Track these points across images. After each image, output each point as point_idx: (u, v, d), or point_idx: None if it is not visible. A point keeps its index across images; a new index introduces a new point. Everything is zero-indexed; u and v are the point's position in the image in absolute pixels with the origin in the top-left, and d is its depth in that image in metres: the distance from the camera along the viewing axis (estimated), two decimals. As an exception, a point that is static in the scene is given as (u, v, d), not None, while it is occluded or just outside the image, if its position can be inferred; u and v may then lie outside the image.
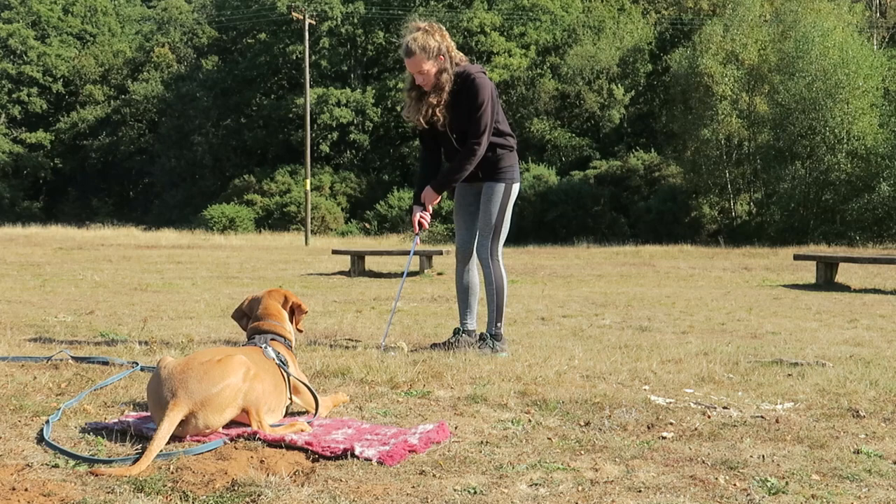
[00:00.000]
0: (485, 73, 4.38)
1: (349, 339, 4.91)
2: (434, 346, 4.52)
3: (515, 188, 4.45)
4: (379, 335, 5.19)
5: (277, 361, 2.81)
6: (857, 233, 26.43)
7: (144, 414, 2.78)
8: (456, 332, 4.52)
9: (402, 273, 4.07)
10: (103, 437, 2.54)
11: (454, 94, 4.25)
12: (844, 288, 10.41)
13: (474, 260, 4.49)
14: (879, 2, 37.44)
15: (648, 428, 2.80)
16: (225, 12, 47.18)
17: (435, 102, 4.25)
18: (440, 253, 13.14)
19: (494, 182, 4.39)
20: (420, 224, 4.46)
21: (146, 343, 4.49)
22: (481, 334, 4.41)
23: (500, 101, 4.46)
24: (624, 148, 36.55)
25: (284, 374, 2.81)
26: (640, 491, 2.16)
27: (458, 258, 4.53)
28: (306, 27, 33.14)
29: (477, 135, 4.23)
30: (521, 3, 42.39)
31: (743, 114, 30.55)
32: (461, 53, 4.41)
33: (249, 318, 3.13)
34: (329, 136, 41.56)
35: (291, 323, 3.14)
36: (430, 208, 4.45)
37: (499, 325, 4.39)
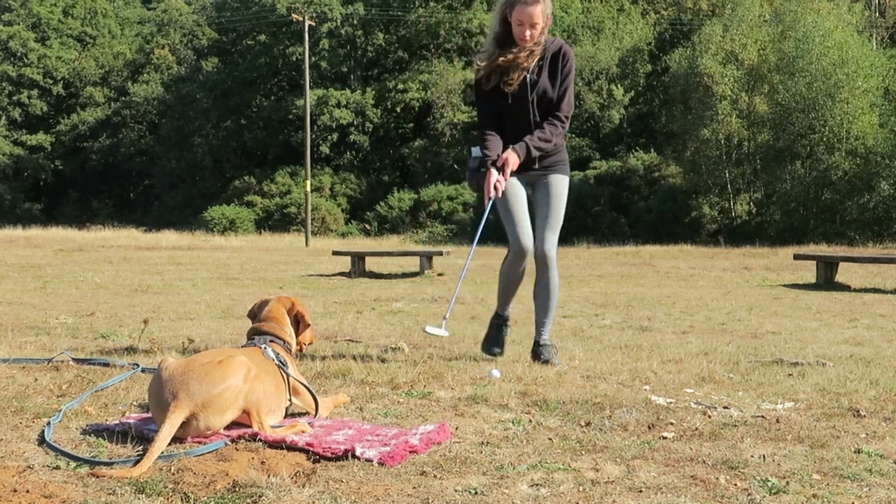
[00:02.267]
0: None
1: (350, 340, 4.92)
2: (490, 348, 4.21)
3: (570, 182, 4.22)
4: (379, 336, 5.19)
5: (277, 362, 2.81)
6: (856, 232, 26.42)
7: (145, 415, 2.78)
8: (501, 320, 4.28)
9: (467, 258, 4.27)
10: (104, 439, 2.54)
11: (546, 60, 3.92)
12: (844, 287, 10.41)
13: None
14: (879, 2, 37.44)
15: (649, 428, 2.80)
16: (225, 14, 47.20)
17: (525, 65, 3.89)
18: (440, 254, 13.13)
19: (562, 175, 4.08)
20: (496, 188, 3.90)
21: (147, 344, 4.49)
22: (545, 341, 4.13)
23: None
24: (624, 148, 36.55)
25: (284, 375, 2.81)
26: (640, 491, 2.16)
27: (518, 253, 4.08)
28: (306, 28, 33.15)
29: (566, 109, 3.96)
30: (521, 3, 42.34)
31: (743, 114, 30.54)
32: None
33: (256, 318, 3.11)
34: (329, 137, 41.56)
35: (297, 332, 3.12)
36: (508, 174, 3.93)
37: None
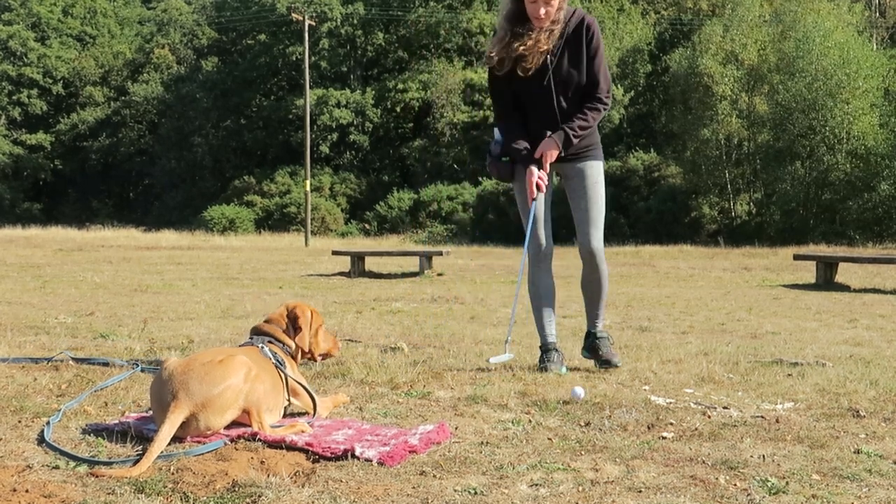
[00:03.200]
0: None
1: (349, 340, 4.91)
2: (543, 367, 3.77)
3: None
4: (379, 336, 5.19)
5: (274, 361, 2.81)
6: (856, 232, 26.43)
7: (145, 415, 2.78)
8: (548, 350, 3.81)
9: (521, 257, 3.78)
10: (104, 439, 2.54)
11: (566, 38, 3.52)
12: (844, 288, 10.41)
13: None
14: (879, 2, 37.44)
15: (649, 428, 2.80)
16: (225, 13, 47.20)
17: (546, 48, 3.49)
18: (440, 253, 13.14)
19: (596, 161, 3.67)
20: (538, 186, 3.59)
21: (146, 344, 4.49)
22: (600, 333, 3.79)
23: None
24: (624, 148, 36.55)
25: (282, 375, 2.80)
26: (640, 491, 2.16)
27: (536, 260, 3.77)
28: (306, 28, 33.14)
29: (604, 88, 3.57)
30: (521, 3, 42.39)
31: (743, 114, 30.55)
32: None
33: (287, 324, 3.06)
34: (329, 137, 41.57)
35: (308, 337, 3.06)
36: (548, 167, 3.62)
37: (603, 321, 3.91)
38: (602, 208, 3.71)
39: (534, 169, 3.58)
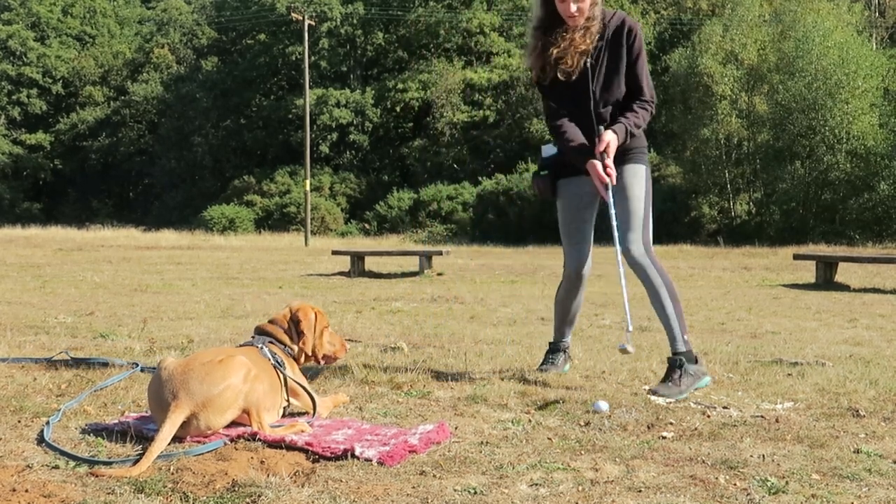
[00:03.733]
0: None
1: (349, 340, 4.91)
2: (540, 366, 3.76)
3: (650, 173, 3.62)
4: (379, 335, 5.19)
5: (273, 362, 2.81)
6: (856, 232, 26.44)
7: (144, 415, 2.78)
8: (555, 350, 3.76)
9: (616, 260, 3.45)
10: (103, 438, 2.54)
11: (607, 40, 3.39)
12: (844, 287, 10.41)
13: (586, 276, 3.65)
14: (879, 1, 37.44)
15: (648, 428, 2.80)
16: (224, 13, 47.21)
17: (584, 48, 3.34)
18: (440, 253, 13.14)
19: (635, 164, 3.50)
20: (608, 174, 3.37)
21: (146, 344, 4.49)
22: (671, 359, 3.38)
23: None
24: (623, 148, 36.54)
25: (280, 375, 2.80)
26: (640, 491, 2.16)
27: (568, 276, 3.62)
28: (306, 28, 33.14)
29: (648, 92, 3.45)
30: (521, 3, 42.38)
31: (742, 114, 30.55)
32: None
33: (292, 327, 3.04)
34: (329, 136, 41.57)
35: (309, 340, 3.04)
36: (612, 158, 3.40)
37: (685, 337, 3.39)
38: (639, 212, 3.44)
39: (596, 162, 3.38)
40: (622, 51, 3.40)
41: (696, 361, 3.37)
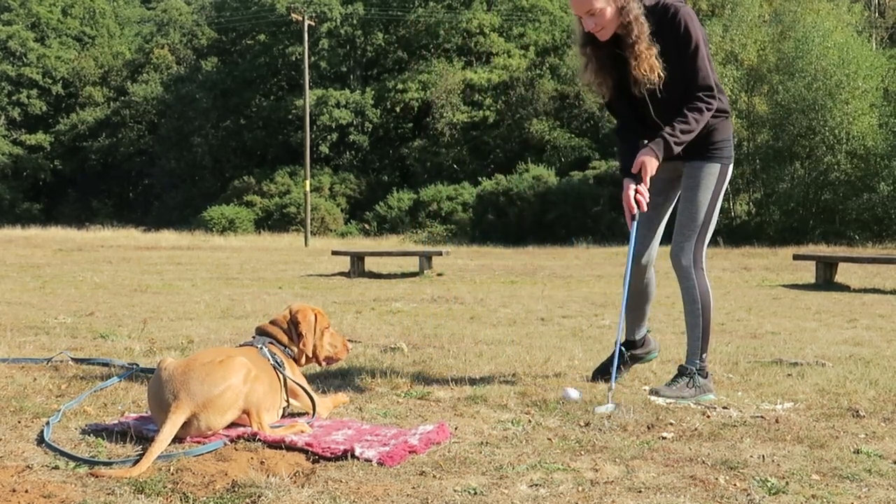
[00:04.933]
0: (684, 2, 3.22)
1: (349, 340, 4.91)
2: (596, 374, 3.57)
3: (731, 170, 3.33)
4: (379, 336, 5.18)
5: (272, 362, 2.81)
6: (856, 233, 26.44)
7: (144, 415, 2.78)
8: (624, 349, 3.58)
9: (622, 306, 3.41)
10: (103, 439, 2.54)
11: (651, 33, 3.14)
12: (844, 288, 10.41)
13: (651, 263, 3.52)
14: (879, 2, 37.45)
15: (648, 428, 2.80)
16: (224, 13, 47.20)
17: (647, 55, 3.10)
18: (440, 254, 13.14)
19: (705, 161, 3.24)
20: (638, 202, 3.24)
21: (146, 344, 4.49)
22: (682, 367, 3.31)
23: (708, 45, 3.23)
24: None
25: (280, 376, 2.80)
26: (640, 491, 2.16)
27: (632, 261, 3.43)
28: (305, 28, 33.14)
29: (700, 85, 3.14)
30: (521, 3, 42.41)
31: (742, 114, 30.55)
32: None
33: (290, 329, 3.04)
34: (328, 137, 41.57)
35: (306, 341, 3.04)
36: (648, 181, 3.23)
37: (704, 356, 3.30)
38: (695, 215, 3.24)
39: (630, 183, 3.22)
40: (669, 40, 3.13)
41: (707, 377, 3.31)
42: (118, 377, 3.42)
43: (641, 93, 3.21)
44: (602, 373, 3.57)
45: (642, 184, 3.22)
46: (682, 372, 3.31)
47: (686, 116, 3.15)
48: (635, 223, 3.30)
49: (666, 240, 3.47)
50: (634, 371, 3.83)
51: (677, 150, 3.17)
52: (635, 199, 3.23)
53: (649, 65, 3.12)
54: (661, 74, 3.13)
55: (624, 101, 3.31)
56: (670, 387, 3.27)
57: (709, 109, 3.16)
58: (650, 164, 3.18)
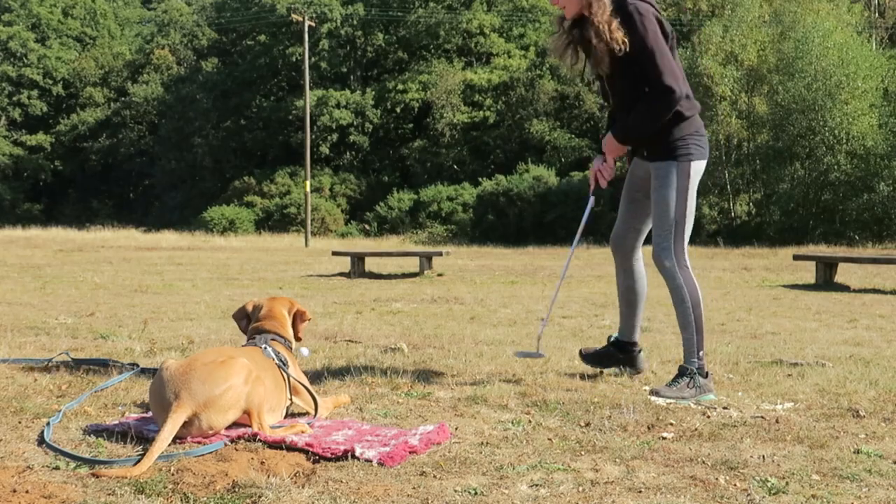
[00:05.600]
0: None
1: (349, 341, 4.92)
2: (586, 356, 3.74)
3: (697, 167, 3.32)
4: (379, 336, 5.19)
5: (277, 361, 2.82)
6: (856, 233, 26.44)
7: (145, 415, 2.79)
8: (613, 345, 3.73)
9: (568, 257, 3.81)
10: (104, 439, 2.55)
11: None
12: (844, 288, 10.40)
13: (636, 258, 3.64)
14: (878, 2, 37.45)
15: (648, 428, 2.80)
16: (225, 14, 47.22)
17: (605, 31, 3.20)
18: (440, 254, 13.14)
19: (665, 160, 3.29)
20: (597, 178, 3.47)
21: (147, 345, 4.49)
22: (682, 367, 3.35)
23: (674, 41, 3.33)
24: (623, 148, 36.54)
25: (284, 375, 2.81)
26: (640, 491, 2.16)
27: (614, 256, 3.67)
28: (306, 29, 33.15)
29: (651, 80, 3.19)
30: (521, 4, 42.42)
31: (742, 114, 30.55)
32: None
33: (250, 320, 3.13)
34: (329, 137, 41.58)
35: (293, 329, 3.16)
36: (612, 161, 3.44)
37: (701, 353, 3.34)
38: (663, 214, 3.31)
39: (597, 160, 3.48)
40: (629, 38, 3.18)
41: (707, 377, 3.32)
42: (119, 377, 3.42)
43: (600, 77, 3.34)
44: (593, 361, 3.72)
45: (605, 163, 3.43)
46: (682, 372, 3.33)
47: (638, 110, 3.24)
48: (591, 199, 3.53)
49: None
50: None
51: (629, 140, 3.32)
52: (596, 173, 3.45)
53: (607, 40, 3.18)
54: (599, 64, 3.25)
55: (602, 83, 3.44)
56: (671, 387, 3.28)
57: (657, 103, 3.19)
58: (610, 143, 3.37)
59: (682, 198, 3.31)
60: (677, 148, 3.29)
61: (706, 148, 3.37)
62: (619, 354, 3.70)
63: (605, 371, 3.81)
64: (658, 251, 3.38)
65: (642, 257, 3.67)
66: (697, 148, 3.32)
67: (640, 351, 3.72)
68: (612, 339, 3.74)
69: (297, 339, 3.15)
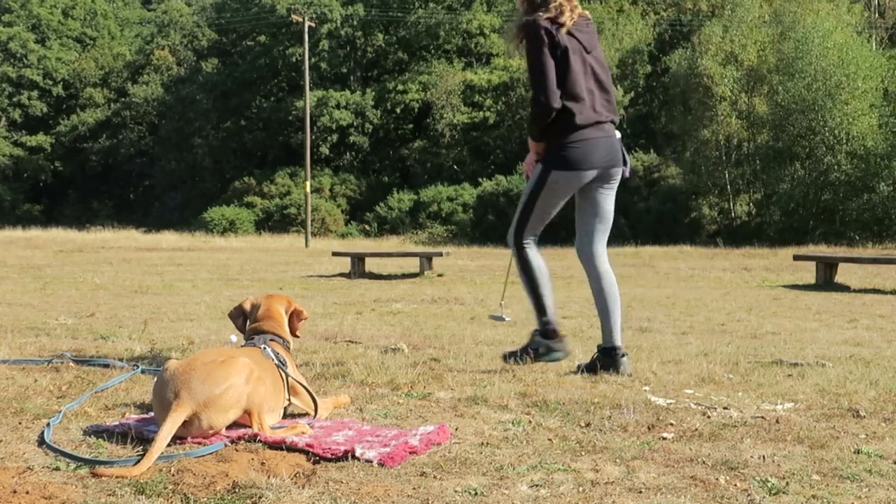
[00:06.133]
0: (537, 18, 3.57)
1: (349, 341, 4.92)
2: (582, 368, 3.80)
3: (555, 177, 3.63)
4: (379, 337, 5.19)
5: (276, 362, 2.82)
6: (856, 233, 26.44)
7: (145, 416, 2.79)
8: (605, 352, 3.79)
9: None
10: (104, 440, 2.55)
11: None
12: (844, 288, 10.41)
13: (596, 260, 3.86)
14: (878, 2, 37.45)
15: (649, 429, 2.80)
16: (225, 15, 47.23)
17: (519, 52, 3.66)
18: (440, 254, 13.14)
19: (540, 164, 3.70)
20: (528, 171, 3.82)
21: (147, 345, 4.49)
22: (533, 332, 3.83)
23: (577, 53, 3.59)
24: (623, 149, 36.53)
25: (283, 375, 2.82)
26: (640, 492, 2.16)
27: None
28: (306, 29, 33.16)
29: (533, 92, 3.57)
30: (521, 4, 42.36)
31: (742, 114, 30.55)
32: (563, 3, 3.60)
33: (247, 319, 3.13)
34: (329, 138, 41.59)
35: (290, 327, 3.16)
36: (534, 155, 3.74)
37: (543, 318, 3.80)
38: (522, 208, 3.74)
39: (529, 154, 3.81)
40: (523, 49, 3.60)
41: (552, 337, 3.77)
42: (119, 378, 3.42)
43: None
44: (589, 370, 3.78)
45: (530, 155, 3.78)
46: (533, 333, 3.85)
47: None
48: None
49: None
50: (635, 371, 3.83)
51: (531, 139, 3.70)
52: (527, 167, 3.81)
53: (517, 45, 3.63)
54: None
55: None
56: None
57: (533, 117, 3.59)
58: (529, 143, 3.74)
59: (532, 195, 3.69)
60: (547, 154, 3.65)
61: (581, 160, 3.61)
62: (605, 360, 3.76)
63: (606, 372, 3.81)
64: (510, 230, 3.81)
65: (605, 257, 3.88)
66: (560, 159, 3.61)
67: (623, 355, 3.77)
68: (598, 346, 3.85)
69: (295, 337, 3.15)
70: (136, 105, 46.70)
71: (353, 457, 2.37)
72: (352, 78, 44.36)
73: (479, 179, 35.54)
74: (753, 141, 30.89)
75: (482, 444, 2.59)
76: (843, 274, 11.57)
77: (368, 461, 2.34)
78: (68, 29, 50.24)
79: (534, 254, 3.80)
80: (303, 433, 2.59)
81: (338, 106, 41.43)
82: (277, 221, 38.15)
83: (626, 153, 3.81)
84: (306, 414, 2.87)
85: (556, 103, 3.50)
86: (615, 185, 3.82)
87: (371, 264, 13.83)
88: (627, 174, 3.84)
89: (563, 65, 3.51)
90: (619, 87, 37.49)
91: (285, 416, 2.83)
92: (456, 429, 2.75)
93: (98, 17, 51.63)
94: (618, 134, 3.78)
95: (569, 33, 3.55)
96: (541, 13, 3.58)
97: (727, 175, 31.17)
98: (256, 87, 44.55)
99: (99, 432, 2.62)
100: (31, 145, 46.86)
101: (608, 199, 3.80)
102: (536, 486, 2.20)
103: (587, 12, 3.72)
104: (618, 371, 3.71)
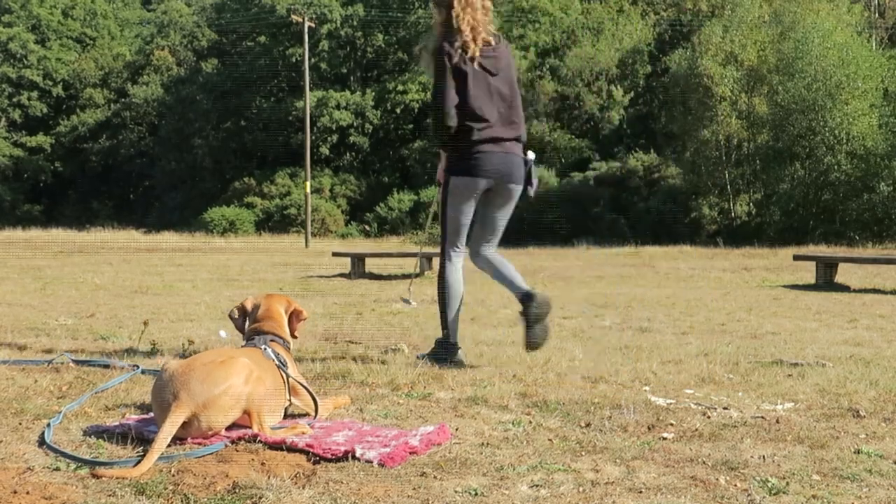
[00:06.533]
0: (444, 45, 3.88)
1: (349, 341, 4.92)
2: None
3: (455, 182, 3.96)
4: (379, 337, 5.19)
5: (277, 362, 2.82)
6: (856, 233, 26.43)
7: (145, 417, 2.79)
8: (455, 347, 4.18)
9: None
10: (104, 440, 2.55)
11: None
12: (844, 288, 10.41)
13: (480, 259, 4.20)
14: (879, 2, 37.45)
15: (649, 429, 2.80)
16: (225, 15, 47.22)
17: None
18: (440, 255, 13.13)
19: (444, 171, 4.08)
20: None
21: (147, 346, 4.49)
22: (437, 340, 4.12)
23: (481, 78, 3.88)
24: (623, 149, 36.55)
25: (283, 375, 2.81)
26: (640, 492, 2.16)
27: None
28: (306, 30, 33.15)
29: None
30: (521, 5, 42.38)
31: (742, 115, 30.54)
32: (476, 27, 3.89)
33: (247, 317, 3.13)
34: (329, 138, 41.57)
35: (290, 327, 3.16)
36: (442, 163, 4.18)
37: (445, 332, 4.03)
38: (440, 219, 4.07)
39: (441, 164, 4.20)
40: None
41: (448, 349, 3.99)
42: (119, 378, 3.42)
43: None
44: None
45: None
46: (437, 342, 4.05)
47: None
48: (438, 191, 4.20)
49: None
50: (635, 371, 3.83)
51: (436, 146, 4.14)
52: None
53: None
54: None
55: None
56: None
57: (432, 132, 3.99)
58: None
59: (444, 204, 4.00)
60: (448, 163, 3.99)
61: (474, 167, 3.89)
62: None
63: (602, 371, 3.81)
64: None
65: (486, 256, 4.16)
66: (459, 168, 3.93)
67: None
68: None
69: (294, 337, 3.15)
70: (136, 105, 46.69)
71: (354, 457, 2.37)
72: (352, 78, 44.35)
73: (479, 180, 35.50)
74: (753, 141, 30.89)
75: (482, 444, 2.59)
76: (843, 274, 11.57)
77: (369, 461, 2.34)
78: (68, 29, 50.23)
79: (453, 270, 4.05)
80: (303, 433, 2.59)
81: (338, 106, 41.42)
82: (277, 222, 38.13)
83: (532, 175, 4.08)
84: (307, 414, 2.87)
85: (450, 122, 3.83)
86: (512, 203, 4.07)
87: (371, 265, 13.83)
88: (531, 194, 4.09)
89: (463, 88, 3.82)
90: (619, 87, 37.52)
91: (286, 416, 2.83)
92: (456, 429, 2.75)
93: (98, 18, 51.61)
94: (531, 154, 4.12)
95: (472, 59, 3.86)
96: (449, 41, 3.88)
97: (727, 175, 31.17)
98: (256, 88, 44.53)
99: (99, 433, 2.62)
100: (31, 146, 46.85)
101: (502, 215, 4.08)
102: (536, 486, 2.20)
103: (498, 37, 3.98)
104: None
